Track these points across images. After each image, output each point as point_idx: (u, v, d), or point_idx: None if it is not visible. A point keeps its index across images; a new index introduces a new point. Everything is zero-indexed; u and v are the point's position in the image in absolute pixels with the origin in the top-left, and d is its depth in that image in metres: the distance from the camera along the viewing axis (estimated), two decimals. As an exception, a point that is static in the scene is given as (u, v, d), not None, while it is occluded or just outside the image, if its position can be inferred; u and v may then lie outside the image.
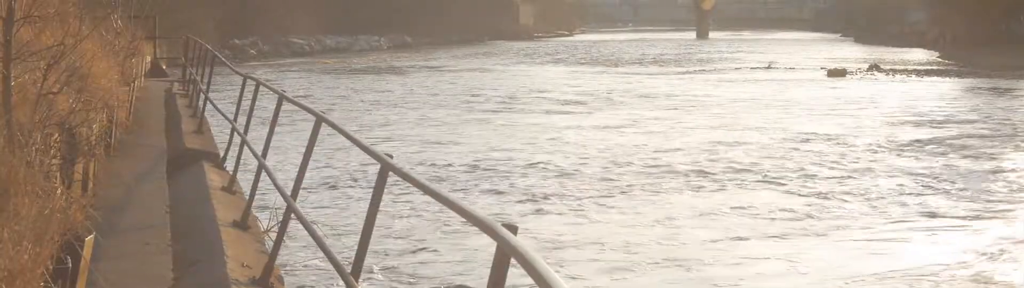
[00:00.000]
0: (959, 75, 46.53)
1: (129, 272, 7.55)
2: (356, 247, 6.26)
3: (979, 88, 39.01)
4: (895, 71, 49.16)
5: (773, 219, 14.38)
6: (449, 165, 19.32)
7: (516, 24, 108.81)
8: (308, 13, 74.80)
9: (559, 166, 19.07)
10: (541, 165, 19.18)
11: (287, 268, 10.75)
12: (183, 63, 25.75)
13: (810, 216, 14.64)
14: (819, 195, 16.28)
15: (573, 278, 11.05)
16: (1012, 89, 38.38)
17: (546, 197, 16.03)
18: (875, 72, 48.69)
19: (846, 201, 15.81)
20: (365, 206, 6.39)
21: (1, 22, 7.89)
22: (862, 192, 16.54)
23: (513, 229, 3.72)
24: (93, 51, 13.06)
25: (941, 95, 35.86)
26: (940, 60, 61.01)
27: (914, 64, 56.55)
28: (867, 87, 39.85)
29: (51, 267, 5.67)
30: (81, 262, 6.13)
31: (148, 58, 26.81)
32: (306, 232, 7.33)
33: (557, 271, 3.20)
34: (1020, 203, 15.67)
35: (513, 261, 3.59)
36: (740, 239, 13.14)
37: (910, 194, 16.40)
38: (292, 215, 7.93)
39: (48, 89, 8.47)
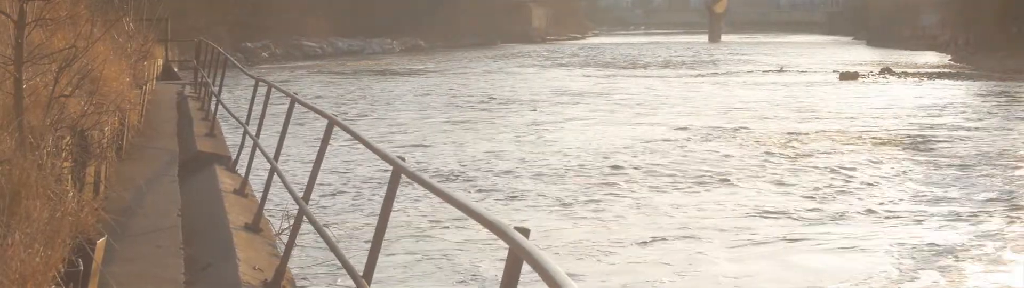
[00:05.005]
0: (970, 78, 46.48)
1: (141, 275, 7.53)
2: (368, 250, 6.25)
3: (986, 92, 38.96)
4: (907, 74, 49.13)
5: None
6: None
7: (528, 27, 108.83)
8: (320, 16, 74.87)
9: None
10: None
11: (299, 271, 10.74)
12: (195, 66, 25.75)
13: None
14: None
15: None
16: (1019, 93, 38.35)
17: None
18: (887, 75, 48.65)
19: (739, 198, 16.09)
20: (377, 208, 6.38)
21: (13, 25, 7.89)
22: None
23: (525, 232, 3.69)
24: (105, 54, 13.06)
25: (938, 97, 35.85)
26: (952, 63, 60.99)
27: (926, 67, 56.52)
28: (882, 90, 39.87)
29: (63, 270, 5.66)
30: (93, 265, 6.11)
31: (160, 61, 26.80)
32: (318, 235, 7.32)
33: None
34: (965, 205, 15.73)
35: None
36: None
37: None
38: (304, 218, 7.91)
39: (60, 92, 8.46)
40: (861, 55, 73.53)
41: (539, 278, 3.23)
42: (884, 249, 12.65)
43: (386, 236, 6.22)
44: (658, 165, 19.53)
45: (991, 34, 61.90)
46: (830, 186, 17.23)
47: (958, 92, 38.91)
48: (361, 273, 6.06)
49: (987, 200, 15.96)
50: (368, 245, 6.34)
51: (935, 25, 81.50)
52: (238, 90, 31.45)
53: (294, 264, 9.89)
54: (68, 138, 8.27)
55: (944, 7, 76.18)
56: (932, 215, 14.78)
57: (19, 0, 7.91)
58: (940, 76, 48.17)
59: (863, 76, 47.57)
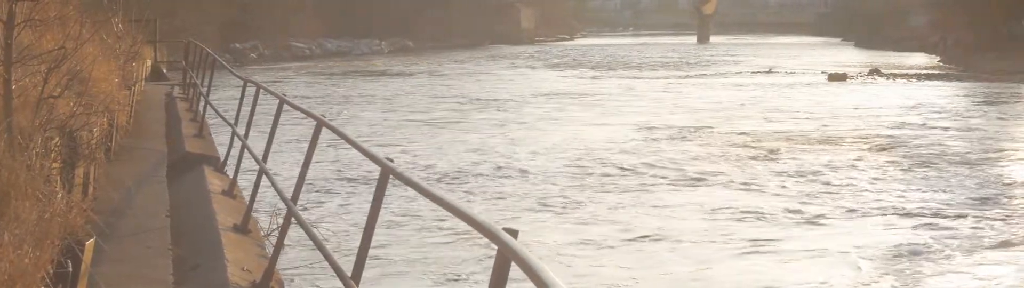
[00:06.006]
0: (959, 79, 46.57)
1: (130, 276, 7.54)
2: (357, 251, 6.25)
3: (976, 93, 39.05)
4: (896, 75, 49.19)
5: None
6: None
7: (517, 28, 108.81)
8: (309, 17, 74.86)
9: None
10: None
11: (287, 272, 10.74)
12: (184, 67, 25.74)
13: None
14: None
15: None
16: (1005, 93, 38.44)
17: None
18: (876, 76, 48.72)
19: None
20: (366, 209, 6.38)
21: (2, 25, 7.90)
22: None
23: (514, 233, 3.71)
24: (94, 55, 13.06)
25: (925, 98, 35.93)
26: (941, 64, 61.10)
27: (915, 68, 56.61)
28: (871, 91, 39.94)
29: (52, 271, 5.66)
30: (82, 266, 6.12)
31: (149, 62, 26.80)
32: (307, 236, 7.32)
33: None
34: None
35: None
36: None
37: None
38: (292, 219, 7.92)
39: (49, 93, 8.47)
40: (850, 56, 73.63)
41: (527, 278, 3.24)
42: (852, 250, 12.66)
43: (374, 237, 6.23)
44: (639, 165, 19.54)
45: (981, 35, 62.02)
46: (806, 187, 17.24)
47: (946, 93, 39.00)
48: (350, 274, 6.07)
49: (959, 201, 15.97)
50: (356, 246, 6.34)
51: (924, 26, 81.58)
52: (226, 91, 31.45)
53: (282, 265, 9.89)
54: (57, 139, 8.27)
55: (934, 8, 76.28)
56: (903, 216, 14.79)
57: (8, 1, 7.91)
58: (929, 77, 48.26)
59: (851, 77, 47.61)
